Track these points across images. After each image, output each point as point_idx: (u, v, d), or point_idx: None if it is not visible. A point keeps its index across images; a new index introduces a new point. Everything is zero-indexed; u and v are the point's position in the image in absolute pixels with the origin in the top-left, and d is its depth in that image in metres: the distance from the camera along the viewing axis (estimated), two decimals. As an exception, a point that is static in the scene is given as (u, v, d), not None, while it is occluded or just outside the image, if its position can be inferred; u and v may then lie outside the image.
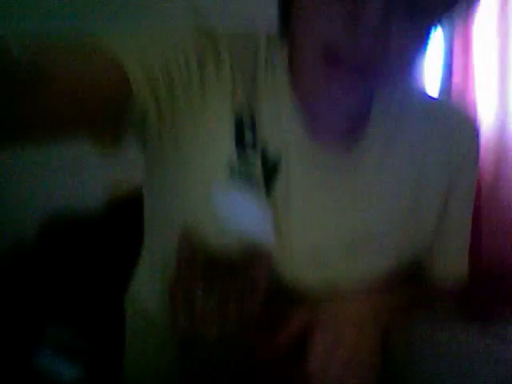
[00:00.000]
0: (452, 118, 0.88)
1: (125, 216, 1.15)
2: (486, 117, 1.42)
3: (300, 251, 0.78)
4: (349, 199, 0.81)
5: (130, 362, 0.87)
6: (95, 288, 1.10)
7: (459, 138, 0.87)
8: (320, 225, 0.80)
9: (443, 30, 0.81)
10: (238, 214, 0.71)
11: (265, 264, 0.69)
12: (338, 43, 0.64)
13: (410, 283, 0.90)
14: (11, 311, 1.04)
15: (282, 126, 0.78)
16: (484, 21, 1.51)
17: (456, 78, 1.48)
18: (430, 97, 0.91)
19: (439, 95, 1.51)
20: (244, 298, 0.69)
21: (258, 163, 0.74)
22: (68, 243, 1.19)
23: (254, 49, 0.78)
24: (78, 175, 1.42)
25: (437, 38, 1.54)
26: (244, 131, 0.74)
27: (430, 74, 1.57)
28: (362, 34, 0.62)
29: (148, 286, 0.87)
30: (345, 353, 0.69)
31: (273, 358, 0.71)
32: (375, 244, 0.81)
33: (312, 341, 0.70)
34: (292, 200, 0.78)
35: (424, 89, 0.93)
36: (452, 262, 0.93)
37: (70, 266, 1.14)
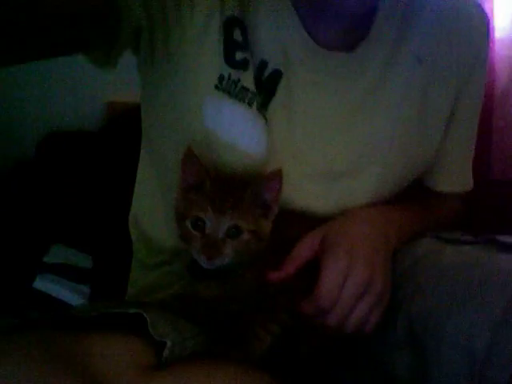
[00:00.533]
0: (463, 16, 0.83)
1: (123, 132, 1.13)
2: (504, 16, 1.34)
3: (303, 163, 0.76)
4: (354, 104, 0.77)
5: (133, 285, 0.87)
6: (97, 205, 1.10)
7: (470, 36, 0.83)
8: (324, 133, 0.77)
9: None
10: (229, 127, 0.71)
11: (278, 184, 0.67)
12: None
13: (416, 199, 0.89)
14: (14, 229, 1.05)
15: (281, 31, 0.74)
16: None
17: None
18: None
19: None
20: (257, 219, 0.67)
21: (250, 76, 0.72)
22: (67, 159, 1.17)
23: None
24: (77, 93, 1.38)
25: None
26: (235, 46, 0.71)
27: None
28: None
29: (149, 210, 0.86)
30: (357, 282, 0.67)
31: (284, 282, 0.69)
32: (382, 151, 0.79)
33: (324, 267, 0.68)
34: (295, 109, 0.75)
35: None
36: (457, 170, 0.91)
37: (71, 181, 1.13)
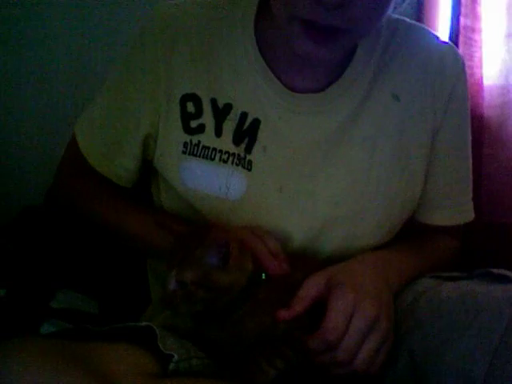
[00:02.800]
0: (436, 55, 0.90)
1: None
2: (492, 62, 1.38)
3: (289, 198, 0.84)
4: (330, 138, 0.85)
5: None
6: (104, 249, 1.13)
7: (443, 72, 0.89)
8: (305, 168, 0.85)
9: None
10: (199, 180, 0.85)
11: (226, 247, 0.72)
12: (307, 15, 0.69)
13: (414, 239, 0.92)
14: (23, 274, 1.08)
15: (255, 82, 0.84)
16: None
17: (463, 20, 1.44)
18: (419, 35, 0.92)
19: (446, 35, 1.46)
20: (209, 272, 0.72)
21: (208, 136, 0.85)
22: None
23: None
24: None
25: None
26: (189, 117, 0.85)
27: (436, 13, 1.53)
28: (327, 9, 0.66)
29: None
30: (365, 317, 0.70)
31: (292, 323, 0.72)
32: (360, 182, 0.85)
33: (331, 302, 0.71)
34: (275, 149, 0.84)
35: (417, 28, 0.93)
36: (453, 204, 0.95)
37: (78, 227, 1.16)
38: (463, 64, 0.91)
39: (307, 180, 0.84)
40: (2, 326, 0.92)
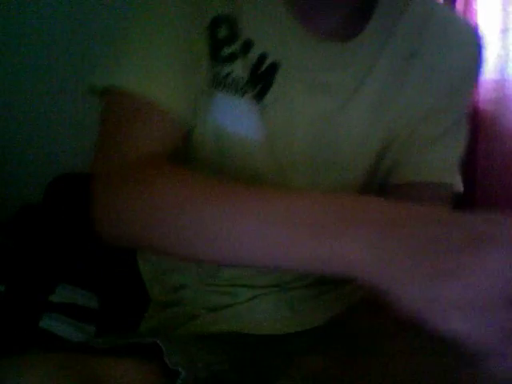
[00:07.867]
0: (455, 26, 0.88)
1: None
2: (488, 57, 1.39)
3: (300, 153, 0.81)
4: (344, 91, 0.83)
5: (147, 322, 0.91)
6: (104, 247, 1.15)
7: (461, 46, 0.87)
8: (318, 121, 0.82)
9: None
10: (228, 117, 0.79)
11: None
12: None
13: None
14: (22, 270, 1.09)
15: (278, 22, 0.80)
16: None
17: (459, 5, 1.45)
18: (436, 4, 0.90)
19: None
20: None
21: (241, 64, 0.77)
22: (76, 200, 1.22)
23: None
24: (86, 134, 1.44)
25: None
26: (221, 43, 0.77)
27: None
28: None
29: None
30: None
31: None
32: (364, 138, 0.83)
33: None
34: (290, 98, 0.81)
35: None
36: (445, 162, 0.93)
37: (78, 222, 1.18)
38: (481, 45, 0.89)
39: (316, 133, 0.82)
40: (2, 320, 0.94)
